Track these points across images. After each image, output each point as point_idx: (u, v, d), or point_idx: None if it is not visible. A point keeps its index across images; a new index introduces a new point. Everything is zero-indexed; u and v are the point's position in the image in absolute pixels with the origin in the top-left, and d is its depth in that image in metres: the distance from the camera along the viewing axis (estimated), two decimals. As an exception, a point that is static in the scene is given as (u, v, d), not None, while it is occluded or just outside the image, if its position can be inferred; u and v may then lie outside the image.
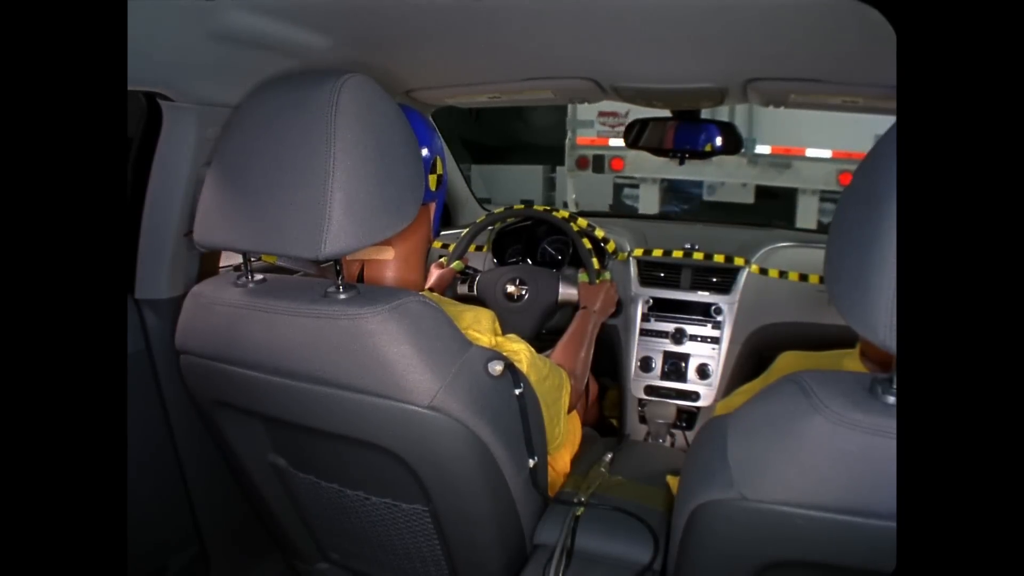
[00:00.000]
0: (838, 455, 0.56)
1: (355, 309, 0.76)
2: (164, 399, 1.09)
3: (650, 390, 1.56)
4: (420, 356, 0.76)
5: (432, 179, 0.97)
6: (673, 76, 1.09)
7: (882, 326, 0.51)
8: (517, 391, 0.86)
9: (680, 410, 1.54)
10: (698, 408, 1.53)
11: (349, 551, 1.11)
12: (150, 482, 1.08)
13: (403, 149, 0.80)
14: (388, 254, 0.96)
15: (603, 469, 1.09)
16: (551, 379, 0.99)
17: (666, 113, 1.43)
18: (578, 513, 0.95)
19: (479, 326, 0.91)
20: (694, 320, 1.54)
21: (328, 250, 0.72)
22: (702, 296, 1.54)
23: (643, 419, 1.57)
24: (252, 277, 0.88)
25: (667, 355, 1.56)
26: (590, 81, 1.13)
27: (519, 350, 0.93)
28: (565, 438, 1.07)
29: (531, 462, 0.90)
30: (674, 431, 1.55)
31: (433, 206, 1.00)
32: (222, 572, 1.22)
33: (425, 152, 0.93)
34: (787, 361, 0.89)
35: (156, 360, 1.07)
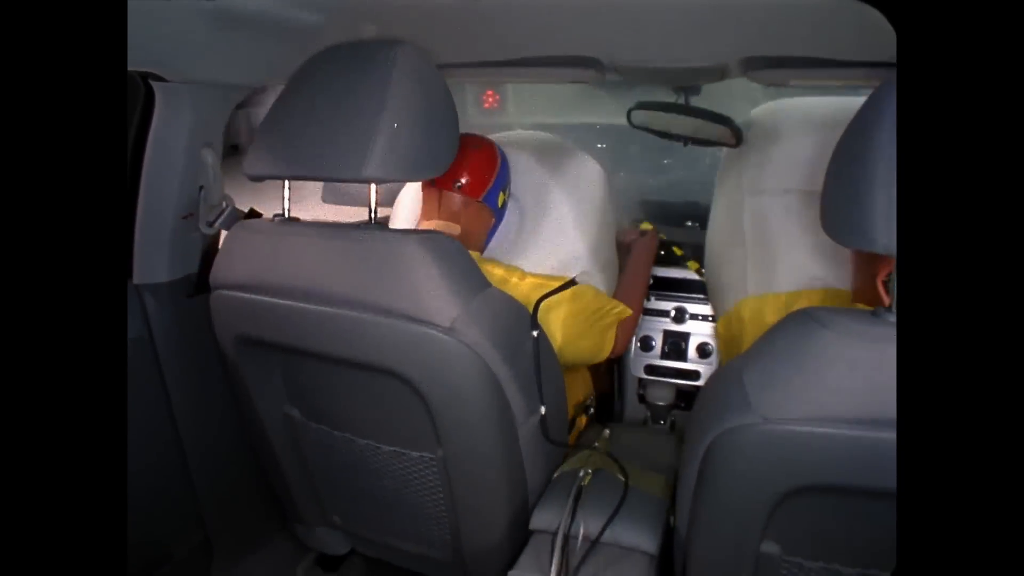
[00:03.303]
0: (848, 365, 0.60)
1: (388, 235, 0.85)
2: (166, 385, 1.08)
3: (650, 369, 1.56)
4: (445, 280, 0.82)
5: (501, 197, 1.19)
6: (674, 54, 1.08)
7: (880, 233, 0.55)
8: (534, 333, 0.92)
9: (680, 391, 1.54)
10: (698, 388, 1.53)
11: (352, 513, 1.13)
12: (152, 470, 1.08)
13: (444, 110, 0.89)
14: (455, 229, 1.12)
15: (600, 445, 1.09)
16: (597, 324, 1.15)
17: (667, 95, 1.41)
18: (584, 483, 0.95)
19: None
20: (695, 299, 1.54)
21: (369, 172, 0.80)
22: (702, 274, 1.54)
23: (643, 399, 1.57)
24: (288, 215, 0.96)
25: (667, 334, 1.55)
26: (591, 59, 1.11)
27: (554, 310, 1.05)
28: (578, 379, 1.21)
29: (542, 409, 0.93)
30: (675, 412, 1.55)
31: (494, 218, 1.20)
32: (225, 559, 1.23)
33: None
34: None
35: (157, 345, 1.06)
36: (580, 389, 1.32)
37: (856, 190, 0.58)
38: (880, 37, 0.82)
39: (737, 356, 0.73)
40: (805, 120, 1.16)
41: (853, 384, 0.60)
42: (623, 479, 0.95)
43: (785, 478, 0.66)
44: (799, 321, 0.65)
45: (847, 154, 0.63)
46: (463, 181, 1.13)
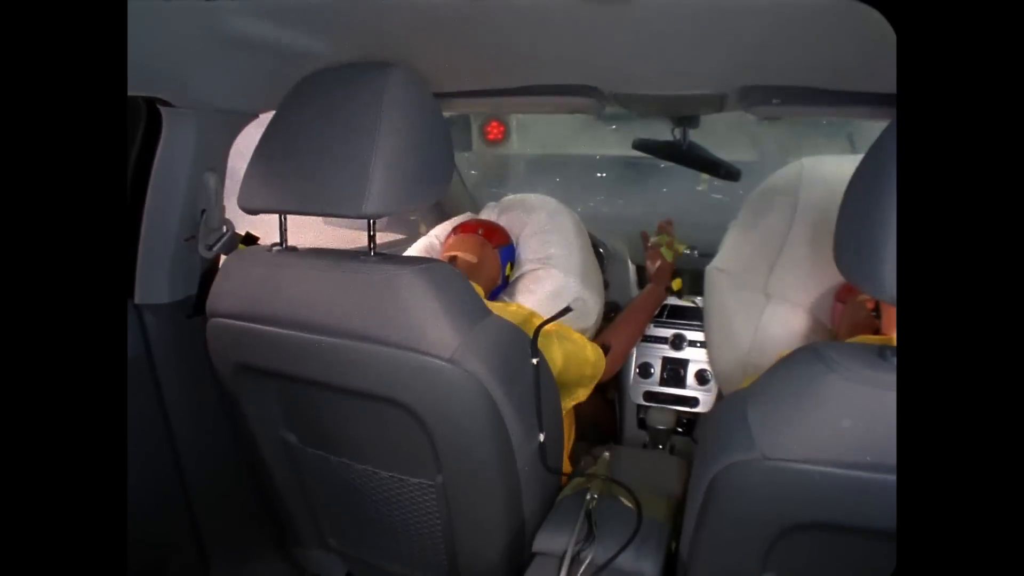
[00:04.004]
0: (852, 409, 0.59)
1: (386, 267, 0.83)
2: (164, 404, 1.08)
3: (649, 396, 1.56)
4: (444, 312, 0.81)
5: (508, 266, 1.34)
6: (672, 82, 1.09)
7: (888, 284, 0.54)
8: (533, 360, 0.91)
9: (680, 416, 1.53)
10: (697, 414, 1.53)
11: (349, 536, 1.12)
12: (150, 487, 1.08)
13: (438, 135, 0.88)
14: (473, 259, 1.24)
15: (600, 468, 1.08)
16: (580, 371, 1.16)
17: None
18: (591, 506, 0.94)
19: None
20: (693, 326, 1.54)
21: (369, 208, 0.79)
22: (701, 301, 1.54)
23: (643, 425, 1.57)
24: (286, 245, 0.95)
25: (666, 361, 1.55)
26: (590, 88, 1.13)
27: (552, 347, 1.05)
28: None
29: (540, 436, 0.93)
30: (674, 437, 1.54)
31: (500, 280, 1.31)
32: (221, 572, 1.22)
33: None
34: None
35: (156, 365, 1.07)
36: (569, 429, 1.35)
37: (867, 236, 0.57)
38: (880, 65, 0.84)
39: (743, 388, 0.73)
40: None
41: (855, 430, 0.59)
42: (630, 505, 0.95)
43: (785, 514, 0.66)
44: (806, 360, 0.65)
45: (860, 194, 0.61)
46: (484, 229, 1.32)
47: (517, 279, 1.35)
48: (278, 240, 0.96)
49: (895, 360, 0.59)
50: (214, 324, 0.97)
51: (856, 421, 0.59)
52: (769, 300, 1.21)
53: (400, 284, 0.82)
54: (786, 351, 0.81)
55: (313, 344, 0.87)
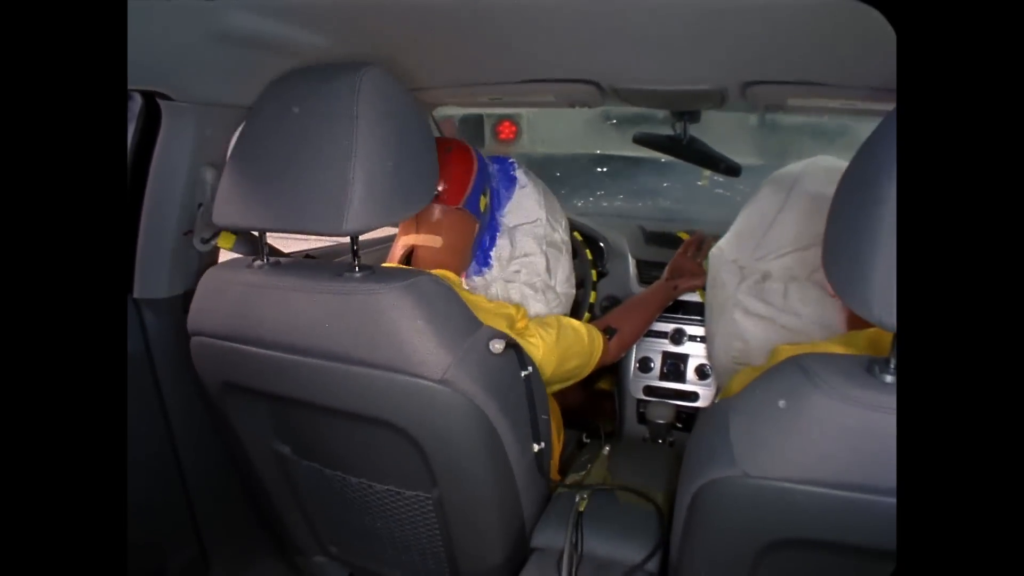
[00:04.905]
0: (837, 430, 0.58)
1: (370, 286, 0.80)
2: (163, 399, 1.08)
3: (649, 391, 1.55)
4: (433, 331, 0.79)
5: (482, 200, 1.15)
6: (673, 78, 1.09)
7: (877, 305, 0.52)
8: (523, 373, 0.89)
9: (679, 411, 1.53)
10: (697, 409, 1.53)
11: (348, 544, 1.12)
12: (149, 483, 1.08)
13: (419, 137, 0.84)
14: (437, 242, 1.08)
15: (602, 466, 1.09)
16: (576, 358, 1.09)
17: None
18: (581, 508, 0.94)
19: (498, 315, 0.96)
20: (693, 320, 1.54)
21: (349, 226, 0.76)
22: (701, 296, 1.54)
23: (642, 419, 1.57)
24: (267, 260, 0.91)
25: (666, 355, 1.55)
26: (591, 83, 1.13)
27: (537, 344, 0.99)
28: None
29: (535, 447, 0.91)
30: (674, 432, 1.54)
31: (478, 223, 1.15)
32: (221, 573, 1.22)
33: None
34: (783, 354, 0.90)
35: (155, 360, 1.07)
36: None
37: (857, 250, 0.54)
38: (882, 59, 0.83)
39: (728, 398, 0.72)
40: None
41: (839, 451, 0.58)
42: (630, 499, 0.96)
43: (769, 530, 0.65)
44: (789, 374, 0.63)
45: (851, 198, 0.58)
46: (439, 189, 1.08)
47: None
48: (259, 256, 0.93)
49: (884, 377, 0.57)
50: (197, 342, 0.95)
51: (840, 443, 0.58)
52: (744, 278, 1.21)
53: (385, 304, 0.79)
54: (784, 347, 0.81)
55: (301, 366, 0.85)
